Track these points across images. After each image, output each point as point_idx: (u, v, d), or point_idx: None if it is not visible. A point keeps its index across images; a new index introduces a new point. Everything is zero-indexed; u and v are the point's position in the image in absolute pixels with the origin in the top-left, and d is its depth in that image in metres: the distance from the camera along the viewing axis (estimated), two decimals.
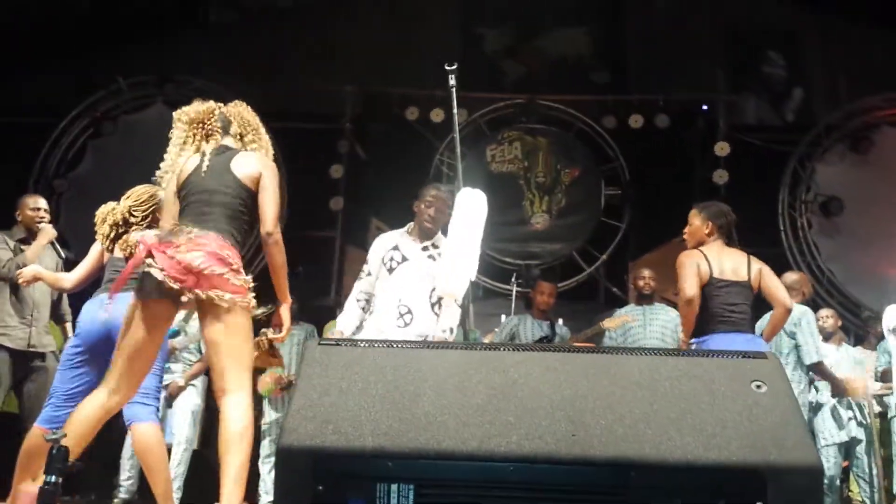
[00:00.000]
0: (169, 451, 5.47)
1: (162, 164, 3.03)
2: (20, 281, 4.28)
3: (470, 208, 3.36)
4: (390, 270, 3.77)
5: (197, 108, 2.97)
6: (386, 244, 3.87)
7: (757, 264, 3.95)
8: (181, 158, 2.91)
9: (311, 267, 8.44)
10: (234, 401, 2.62)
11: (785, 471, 1.54)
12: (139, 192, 3.54)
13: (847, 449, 5.55)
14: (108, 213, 3.47)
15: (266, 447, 5.93)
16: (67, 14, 8.16)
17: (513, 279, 7.40)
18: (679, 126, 8.27)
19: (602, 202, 8.42)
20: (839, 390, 5.19)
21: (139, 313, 2.71)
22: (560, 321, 6.76)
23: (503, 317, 7.04)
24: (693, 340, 3.93)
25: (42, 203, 4.86)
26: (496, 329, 6.73)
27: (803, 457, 1.56)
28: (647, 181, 8.32)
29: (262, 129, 3.09)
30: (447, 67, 3.65)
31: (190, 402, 5.66)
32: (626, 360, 1.77)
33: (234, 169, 2.82)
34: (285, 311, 2.93)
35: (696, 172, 8.44)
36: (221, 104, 3.06)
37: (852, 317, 7.32)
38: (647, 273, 5.90)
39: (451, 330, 3.69)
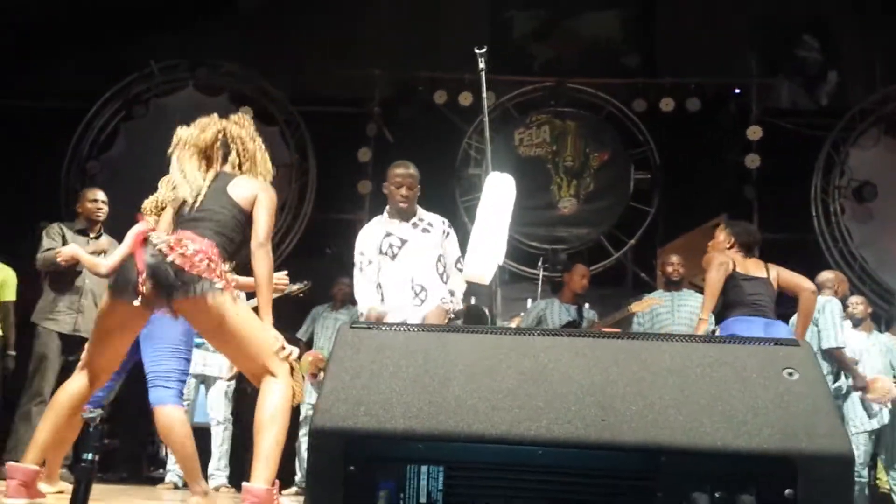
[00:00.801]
0: (207, 430, 5.59)
1: (161, 186, 3.06)
2: (58, 259, 4.46)
3: (498, 192, 3.34)
4: (393, 257, 3.79)
5: (201, 135, 3.00)
6: (377, 233, 3.87)
7: (774, 268, 4.42)
8: (181, 188, 2.93)
9: (340, 249, 8.50)
10: (267, 386, 2.66)
11: (816, 459, 1.53)
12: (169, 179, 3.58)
13: (877, 437, 5.50)
14: (153, 203, 3.53)
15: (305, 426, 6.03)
16: (97, 5, 8.23)
17: (539, 263, 7.39)
18: (711, 110, 8.18)
19: (631, 187, 8.36)
20: (860, 386, 5.15)
21: (109, 312, 2.76)
22: (587, 305, 6.74)
23: (529, 301, 7.04)
24: (718, 326, 4.28)
25: (101, 195, 5.10)
26: (522, 313, 6.74)
27: (835, 445, 1.55)
28: (677, 166, 8.25)
29: (261, 152, 3.10)
30: (476, 50, 3.62)
31: (223, 383, 5.75)
32: (656, 346, 1.76)
33: (230, 191, 2.89)
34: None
35: (727, 157, 8.34)
36: (225, 122, 3.07)
37: (884, 303, 7.21)
38: (675, 259, 5.86)
39: (453, 293, 3.77)
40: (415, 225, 3.85)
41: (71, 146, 8.38)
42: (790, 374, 1.67)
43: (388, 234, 3.83)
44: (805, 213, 7.87)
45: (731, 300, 4.25)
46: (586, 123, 8.56)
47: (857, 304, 5.68)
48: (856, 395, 5.41)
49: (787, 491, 1.51)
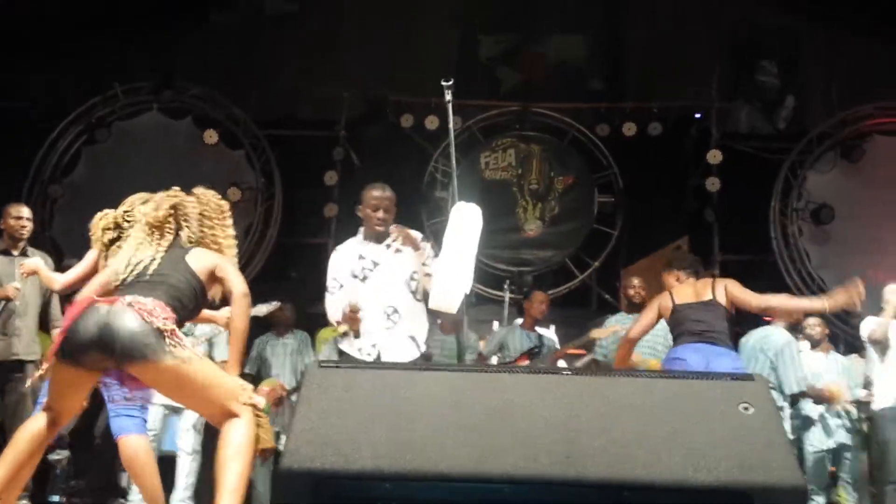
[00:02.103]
0: (173, 460, 5.51)
1: (114, 261, 3.04)
2: (21, 272, 4.38)
3: (464, 222, 3.39)
4: (364, 280, 3.75)
5: (154, 213, 3.01)
6: (349, 255, 3.84)
7: (721, 284, 4.38)
8: (133, 258, 2.93)
9: (305, 273, 8.47)
10: (230, 425, 2.64)
11: (771, 491, 1.59)
12: (133, 199, 3.54)
13: (835, 455, 5.62)
14: (101, 218, 3.49)
15: None
16: (67, 15, 8.15)
17: (505, 286, 7.44)
18: (672, 134, 8.33)
19: (595, 210, 8.47)
20: (821, 399, 5.28)
21: (57, 374, 2.73)
22: (552, 328, 6.81)
23: (496, 323, 7.09)
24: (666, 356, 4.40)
25: (25, 212, 4.87)
26: (488, 336, 6.78)
27: (789, 477, 1.61)
28: (640, 189, 8.38)
29: (221, 231, 3.10)
30: (444, 83, 3.68)
31: (193, 416, 5.64)
32: (619, 381, 1.81)
33: (188, 260, 2.91)
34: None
35: (688, 180, 8.50)
36: (180, 199, 3.07)
37: (842, 324, 7.37)
38: (636, 282, 5.94)
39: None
40: (388, 246, 3.82)
41: (33, 169, 8.26)
42: (745, 408, 1.74)
43: (361, 258, 3.80)
44: (764, 235, 8.02)
45: (678, 331, 4.29)
46: (551, 147, 8.67)
47: (815, 325, 5.81)
48: (814, 415, 5.53)
49: None
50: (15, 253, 4.80)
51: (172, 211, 3.04)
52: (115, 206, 3.55)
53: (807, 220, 8.09)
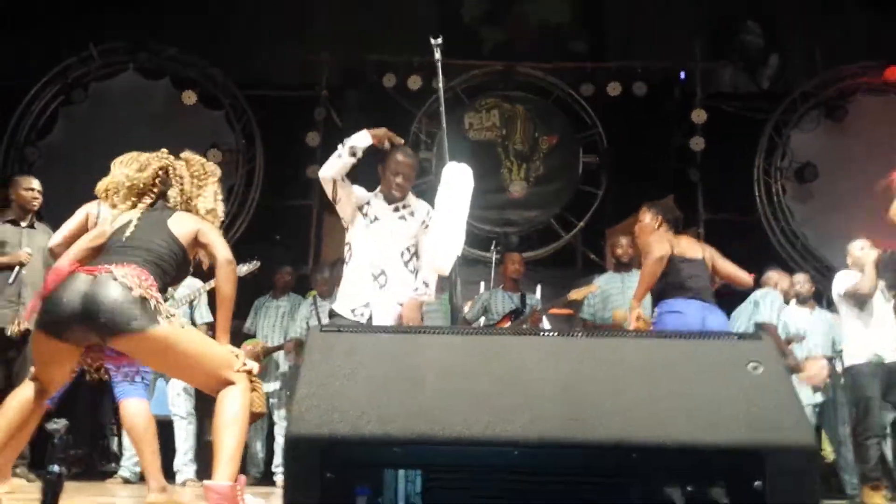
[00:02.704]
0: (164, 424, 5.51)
1: (115, 167, 2.96)
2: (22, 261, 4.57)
3: (456, 183, 3.36)
4: (365, 227, 3.70)
5: (140, 175, 2.91)
6: (363, 195, 3.77)
7: (709, 249, 4.45)
8: (114, 221, 2.87)
9: (288, 236, 8.41)
10: (225, 393, 2.61)
11: (782, 450, 1.59)
12: (122, 159, 3.40)
13: (821, 410, 5.71)
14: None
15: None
16: None
17: (492, 247, 7.43)
18: (656, 94, 8.31)
19: (580, 169, 8.45)
20: (794, 369, 5.33)
21: (38, 345, 2.66)
22: (539, 289, 6.82)
23: (482, 284, 7.09)
24: (655, 308, 4.35)
25: (36, 184, 4.97)
26: (473, 298, 6.78)
27: (800, 437, 1.61)
28: (624, 148, 8.35)
29: (214, 190, 3.02)
30: (432, 41, 3.61)
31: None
32: (625, 343, 1.80)
33: (170, 225, 2.82)
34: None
35: (673, 140, 8.50)
36: (169, 161, 2.98)
37: (824, 279, 7.44)
38: (624, 241, 5.94)
39: (426, 283, 3.67)
40: (395, 209, 3.74)
41: (8, 131, 8.09)
42: (754, 367, 1.72)
43: (368, 203, 3.73)
44: (748, 194, 8.07)
45: (670, 283, 4.21)
46: (535, 107, 8.61)
47: (803, 282, 5.87)
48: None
49: (756, 483, 1.57)
50: (23, 224, 4.89)
51: (160, 174, 2.96)
52: (92, 166, 3.45)
53: (790, 179, 8.16)
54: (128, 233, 2.77)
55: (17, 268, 4.71)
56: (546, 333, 1.84)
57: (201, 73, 8.31)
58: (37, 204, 4.92)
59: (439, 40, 3.62)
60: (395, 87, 8.28)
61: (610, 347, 1.79)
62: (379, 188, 3.80)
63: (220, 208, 3.04)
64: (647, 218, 4.52)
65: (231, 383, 2.61)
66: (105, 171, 2.99)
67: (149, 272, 2.63)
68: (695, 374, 1.71)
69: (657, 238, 4.34)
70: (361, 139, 3.62)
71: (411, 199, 3.80)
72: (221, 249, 2.80)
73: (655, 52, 8.48)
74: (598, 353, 1.76)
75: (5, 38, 8.19)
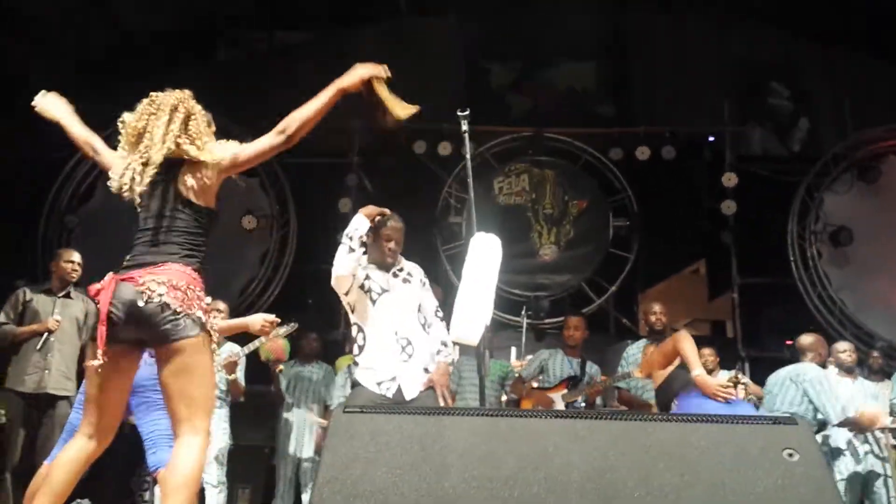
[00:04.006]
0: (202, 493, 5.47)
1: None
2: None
3: (483, 253, 3.35)
4: (373, 302, 3.66)
5: (138, 124, 2.86)
6: (359, 274, 3.73)
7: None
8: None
9: (320, 300, 8.44)
10: (185, 443, 2.52)
11: None
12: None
13: (864, 483, 5.49)
14: None
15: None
16: (79, 52, 8.24)
17: (523, 311, 7.39)
18: (686, 157, 8.30)
19: (610, 233, 8.42)
20: (856, 427, 5.17)
21: (95, 362, 2.59)
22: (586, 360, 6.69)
23: (513, 349, 7.01)
24: (675, 401, 4.21)
25: (76, 257, 5.17)
26: (529, 356, 6.62)
27: None
28: (655, 212, 8.33)
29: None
30: (459, 113, 3.67)
31: (214, 447, 5.60)
32: (656, 427, 1.75)
33: (181, 188, 2.75)
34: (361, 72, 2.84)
35: (703, 203, 8.45)
36: (178, 94, 2.90)
37: (865, 347, 7.26)
38: (658, 308, 5.87)
39: (445, 343, 3.67)
40: (395, 275, 3.76)
41: (49, 199, 8.31)
42: (790, 454, 1.67)
43: (368, 277, 3.71)
44: (783, 258, 7.95)
45: (687, 378, 4.15)
46: (564, 171, 8.64)
47: (849, 351, 5.71)
48: (842, 444, 5.42)
49: None
50: (60, 295, 5.09)
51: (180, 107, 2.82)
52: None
53: (825, 243, 8.03)
54: (151, 219, 2.75)
55: (45, 334, 4.80)
56: (572, 416, 1.79)
57: (236, 141, 8.49)
58: (75, 276, 5.11)
59: (466, 112, 3.67)
60: (425, 153, 8.38)
61: (640, 431, 1.75)
62: (368, 259, 3.81)
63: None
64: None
65: (194, 430, 2.52)
66: None
67: (188, 265, 2.65)
68: (728, 461, 1.66)
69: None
70: (361, 225, 3.67)
71: (402, 261, 3.86)
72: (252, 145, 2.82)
73: (683, 116, 8.50)
74: (627, 437, 1.71)
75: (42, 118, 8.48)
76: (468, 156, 3.82)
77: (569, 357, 5.85)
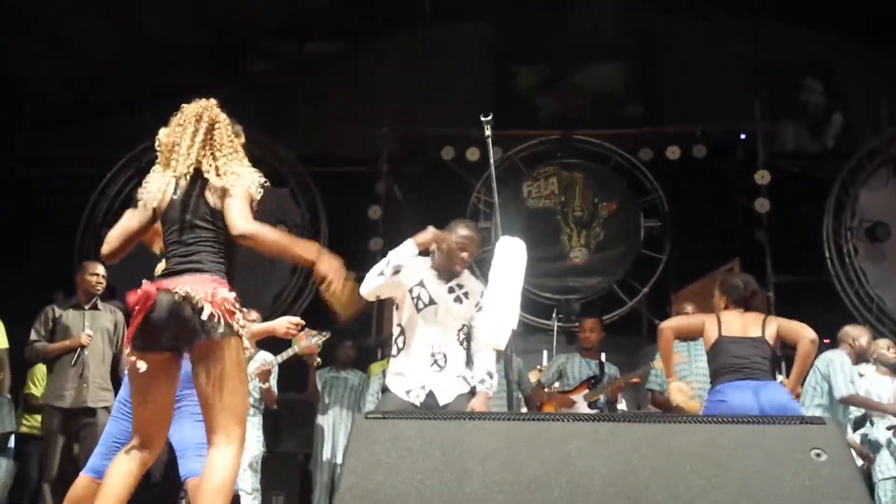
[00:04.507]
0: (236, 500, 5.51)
1: None
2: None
3: (509, 257, 3.32)
4: (418, 310, 3.58)
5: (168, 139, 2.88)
6: (415, 270, 3.62)
7: (773, 323, 4.16)
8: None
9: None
10: (218, 452, 2.54)
11: None
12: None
13: None
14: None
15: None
16: (112, 70, 8.42)
17: (553, 315, 7.37)
18: (717, 156, 8.21)
19: (641, 234, 8.36)
20: (882, 411, 5.11)
21: (137, 369, 2.62)
22: (603, 356, 6.67)
23: (545, 353, 6.99)
24: (708, 395, 4.18)
25: (101, 269, 5.19)
26: (539, 366, 6.68)
27: None
28: (687, 212, 8.25)
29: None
30: (483, 118, 3.66)
31: (248, 454, 5.65)
32: (680, 429, 1.73)
33: (207, 195, 2.75)
34: (322, 265, 2.64)
35: (736, 201, 8.35)
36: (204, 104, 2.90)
37: None
38: (689, 309, 5.79)
39: (490, 374, 3.61)
40: (451, 290, 3.63)
41: (85, 214, 8.47)
42: (818, 454, 1.64)
43: (421, 284, 3.61)
44: (818, 255, 7.82)
45: (718, 366, 4.05)
46: (593, 174, 8.60)
47: (889, 347, 5.61)
48: (882, 439, 5.33)
49: None
50: (87, 307, 5.15)
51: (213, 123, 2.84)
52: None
53: (862, 239, 7.88)
54: (184, 229, 2.78)
55: (78, 350, 4.89)
56: (595, 419, 1.78)
57: (267, 152, 8.59)
58: (100, 289, 5.16)
59: (489, 117, 3.66)
60: (453, 159, 8.40)
61: (663, 434, 1.73)
62: (432, 263, 3.68)
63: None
64: (715, 295, 4.37)
65: (227, 437, 2.55)
66: None
67: (219, 276, 2.68)
68: (754, 463, 1.64)
69: (708, 319, 4.24)
70: (408, 251, 3.50)
71: (466, 277, 3.71)
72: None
73: (713, 113, 8.40)
74: (649, 440, 1.70)
75: (83, 130, 8.69)
76: (492, 162, 3.81)
77: (586, 359, 5.81)
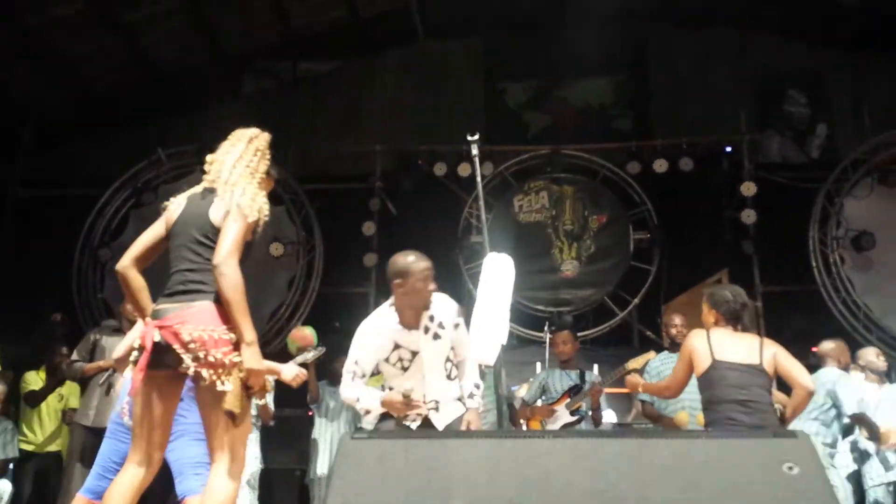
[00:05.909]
0: None
1: None
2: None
3: (496, 273, 3.39)
4: (405, 370, 3.51)
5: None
6: (383, 344, 3.49)
7: (771, 347, 3.80)
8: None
9: (347, 322, 8.56)
10: (218, 471, 2.60)
11: None
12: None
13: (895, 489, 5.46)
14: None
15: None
16: (110, 90, 8.51)
17: (546, 327, 7.44)
18: (704, 168, 8.32)
19: (631, 247, 8.46)
20: (875, 437, 5.16)
21: (146, 385, 2.69)
22: (595, 368, 6.77)
23: (538, 364, 7.08)
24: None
25: None
26: (531, 379, 6.77)
27: None
28: (675, 224, 8.36)
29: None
30: (469, 138, 3.76)
31: (246, 471, 5.70)
32: (656, 444, 1.82)
33: (211, 215, 2.78)
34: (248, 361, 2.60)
35: (723, 213, 8.45)
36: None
37: (891, 351, 7.21)
38: (678, 320, 5.86)
39: (478, 386, 3.62)
40: (426, 330, 3.51)
41: (83, 233, 8.53)
42: (790, 468, 1.72)
43: (398, 347, 3.50)
44: (805, 265, 7.92)
45: (716, 397, 3.68)
46: (583, 187, 8.71)
47: (878, 355, 5.71)
48: (871, 448, 5.40)
49: None
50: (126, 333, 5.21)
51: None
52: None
53: (847, 248, 7.97)
54: (181, 255, 2.84)
55: (109, 370, 5.02)
56: (574, 436, 1.87)
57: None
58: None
59: (476, 137, 3.76)
60: (445, 175, 8.50)
61: (642, 449, 1.81)
62: (391, 311, 3.53)
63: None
64: (705, 309, 4.00)
65: (227, 457, 2.60)
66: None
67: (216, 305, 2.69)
68: (728, 477, 1.72)
69: (682, 354, 3.90)
70: (372, 405, 3.49)
71: (436, 307, 3.56)
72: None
73: (700, 127, 8.54)
74: (629, 456, 1.78)
75: (81, 149, 8.77)
76: (479, 180, 3.91)
77: (566, 370, 5.90)
